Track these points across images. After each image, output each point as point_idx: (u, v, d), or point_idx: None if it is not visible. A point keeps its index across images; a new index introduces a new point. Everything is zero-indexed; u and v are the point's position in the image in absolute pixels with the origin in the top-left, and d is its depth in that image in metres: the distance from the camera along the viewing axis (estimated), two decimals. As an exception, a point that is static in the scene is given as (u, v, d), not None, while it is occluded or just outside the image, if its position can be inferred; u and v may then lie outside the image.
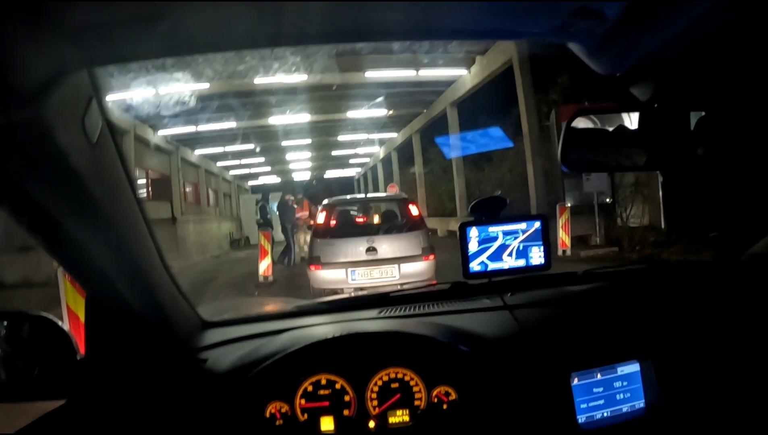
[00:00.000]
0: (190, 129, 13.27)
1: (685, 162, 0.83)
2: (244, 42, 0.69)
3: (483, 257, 1.07)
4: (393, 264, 4.97)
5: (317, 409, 0.90)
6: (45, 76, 0.52)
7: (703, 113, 0.83)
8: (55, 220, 0.62)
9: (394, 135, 18.47)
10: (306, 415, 0.90)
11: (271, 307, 1.56)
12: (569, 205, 7.76)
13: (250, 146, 17.11)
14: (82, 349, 0.89)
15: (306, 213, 9.58)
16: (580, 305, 1.10)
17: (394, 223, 5.74)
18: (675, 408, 0.91)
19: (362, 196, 9.54)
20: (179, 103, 9.27)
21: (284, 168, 23.54)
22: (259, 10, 0.58)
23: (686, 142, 0.82)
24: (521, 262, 1.08)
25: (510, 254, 1.08)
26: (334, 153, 21.57)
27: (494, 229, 1.07)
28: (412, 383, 0.92)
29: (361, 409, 0.91)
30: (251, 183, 26.67)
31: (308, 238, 6.85)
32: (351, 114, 14.01)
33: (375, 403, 0.91)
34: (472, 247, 1.07)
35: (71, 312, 3.28)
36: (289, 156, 20.87)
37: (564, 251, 7.46)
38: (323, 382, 0.91)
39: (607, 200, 8.45)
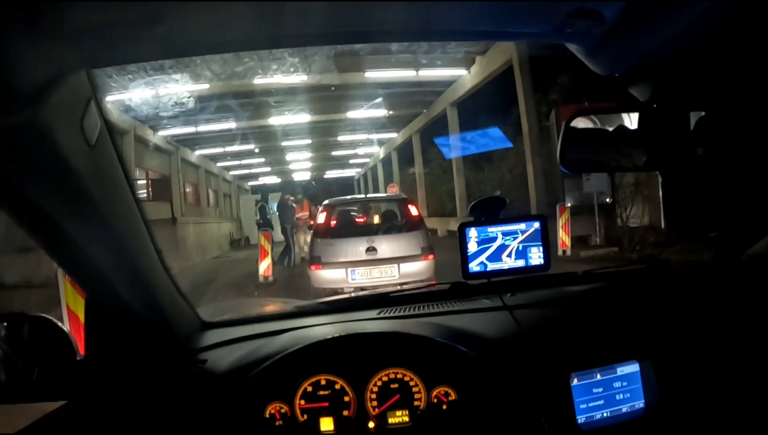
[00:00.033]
0: (190, 129, 13.29)
1: (685, 162, 0.83)
2: (243, 43, 0.69)
3: (482, 258, 1.07)
4: (393, 264, 5.01)
5: (317, 409, 0.90)
6: (44, 77, 0.52)
7: (703, 113, 0.82)
8: (54, 221, 0.62)
9: (394, 135, 18.47)
10: (306, 416, 0.90)
11: (270, 307, 1.56)
12: (569, 205, 7.76)
13: (250, 146, 17.12)
14: (81, 350, 0.90)
15: (306, 213, 9.58)
16: (580, 305, 1.10)
17: (394, 223, 5.77)
18: (675, 408, 0.91)
19: (362, 196, 9.57)
20: (179, 104, 9.28)
21: (284, 168, 23.54)
22: (259, 11, 0.58)
23: (686, 142, 0.81)
24: (520, 263, 1.08)
25: (509, 255, 1.08)
26: (334, 153, 21.58)
27: (493, 230, 1.07)
28: (411, 384, 0.92)
29: (361, 409, 0.91)
30: (251, 183, 26.69)
31: (308, 238, 6.86)
32: (351, 114, 14.01)
33: (375, 403, 0.91)
34: (472, 247, 1.07)
35: (71, 313, 3.28)
36: (289, 156, 20.87)
37: (564, 251, 7.46)
38: (323, 382, 0.91)
39: (607, 200, 8.45)
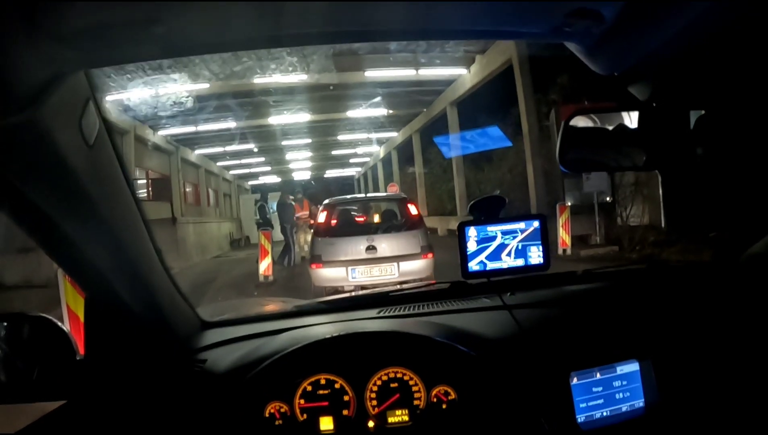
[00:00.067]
0: (190, 129, 13.29)
1: (685, 161, 0.83)
2: (243, 43, 0.69)
3: (482, 257, 1.07)
4: (392, 262, 5.06)
5: (316, 408, 0.90)
6: (43, 78, 0.52)
7: (703, 112, 0.82)
8: (54, 221, 0.62)
9: (394, 134, 18.47)
10: (305, 415, 0.90)
11: (270, 307, 1.56)
12: (569, 204, 7.76)
13: (250, 146, 17.12)
14: (81, 350, 0.90)
15: (306, 212, 9.59)
16: (580, 305, 1.10)
17: (394, 222, 5.82)
18: (674, 407, 0.91)
19: (362, 195, 9.58)
20: (179, 104, 9.28)
21: (284, 168, 23.55)
22: (258, 11, 0.57)
23: (685, 142, 0.81)
24: (520, 262, 1.08)
25: (509, 254, 1.08)
26: (334, 152, 21.57)
27: (493, 229, 1.07)
28: (411, 383, 0.92)
29: (361, 408, 0.91)
30: (251, 183, 26.69)
31: (309, 237, 6.88)
32: (350, 113, 14.01)
33: (374, 402, 0.91)
34: (471, 246, 1.07)
35: (71, 312, 3.28)
36: (289, 155, 20.88)
37: (564, 250, 7.46)
38: (322, 381, 0.91)
39: (608, 199, 8.44)
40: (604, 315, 1.04)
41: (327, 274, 5.10)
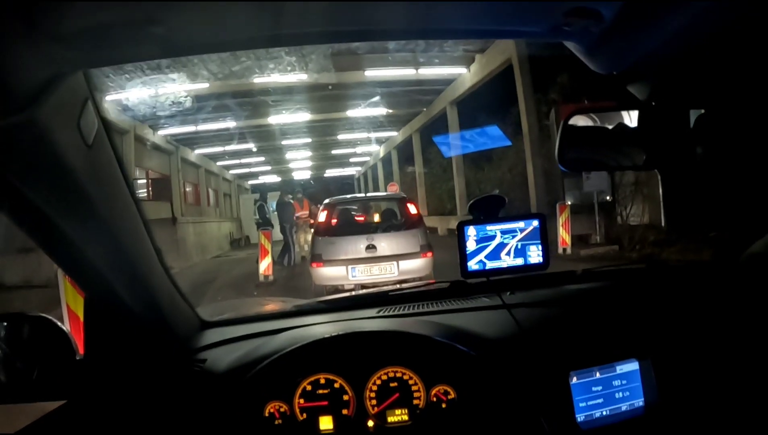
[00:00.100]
0: (189, 129, 13.29)
1: (684, 161, 0.83)
2: (242, 43, 0.69)
3: (481, 256, 1.07)
4: (392, 261, 5.11)
5: (316, 408, 0.90)
6: (42, 78, 0.52)
7: (702, 111, 0.82)
8: (53, 220, 0.62)
9: (394, 134, 18.47)
10: (305, 415, 0.90)
11: (270, 306, 1.56)
12: (569, 203, 7.76)
13: (249, 146, 17.13)
14: (81, 350, 0.90)
15: (306, 212, 9.59)
16: (579, 304, 1.10)
17: (393, 221, 5.86)
18: (674, 407, 0.91)
19: (362, 195, 9.62)
20: (178, 103, 9.28)
21: (284, 167, 23.56)
22: (258, 10, 0.57)
23: (685, 141, 0.81)
24: (519, 261, 1.08)
25: (508, 253, 1.08)
26: (334, 152, 21.58)
27: (492, 228, 1.07)
28: (411, 382, 0.92)
29: (360, 408, 0.91)
30: (251, 182, 26.69)
31: (309, 237, 6.89)
32: (350, 113, 14.02)
33: (374, 402, 0.91)
34: (470, 245, 1.07)
35: (71, 312, 3.29)
36: (289, 155, 20.89)
37: (564, 250, 7.47)
38: (322, 381, 0.91)
39: (608, 199, 8.45)
40: (604, 314, 1.04)
41: (327, 273, 5.15)
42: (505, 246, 1.07)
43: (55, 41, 0.51)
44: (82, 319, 0.95)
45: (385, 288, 1.35)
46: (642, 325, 1.00)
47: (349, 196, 7.69)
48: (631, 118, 0.86)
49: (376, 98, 12.56)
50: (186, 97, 9.28)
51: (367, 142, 19.61)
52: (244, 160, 20.71)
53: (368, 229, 5.80)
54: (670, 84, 0.78)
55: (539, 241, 1.08)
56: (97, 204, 0.67)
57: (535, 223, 1.08)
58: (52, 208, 0.62)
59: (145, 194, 13.39)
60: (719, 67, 0.76)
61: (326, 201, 5.96)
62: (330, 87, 10.91)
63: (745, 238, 1.10)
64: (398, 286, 1.38)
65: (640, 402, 0.93)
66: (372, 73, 10.55)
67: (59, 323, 0.88)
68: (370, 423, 0.90)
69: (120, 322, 0.89)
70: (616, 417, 0.92)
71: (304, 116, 13.71)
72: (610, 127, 0.87)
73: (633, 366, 0.94)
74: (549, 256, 1.10)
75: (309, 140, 17.98)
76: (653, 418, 0.92)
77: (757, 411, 0.90)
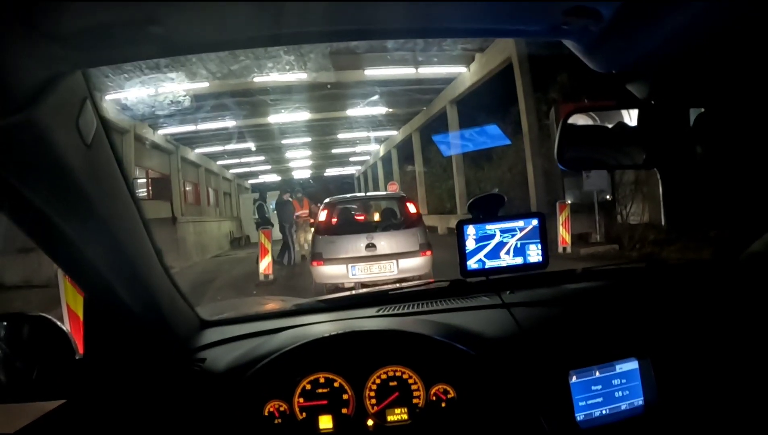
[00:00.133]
0: (189, 128, 13.29)
1: (684, 160, 0.83)
2: (241, 42, 0.69)
3: (480, 255, 1.07)
4: (391, 259, 5.14)
5: (316, 407, 0.90)
6: (40, 78, 0.52)
7: (702, 110, 0.82)
8: (52, 220, 0.62)
9: (393, 133, 18.46)
10: (304, 414, 0.90)
11: (269, 305, 1.56)
12: (569, 202, 7.76)
13: (249, 145, 17.12)
14: (81, 349, 0.90)
15: (306, 211, 9.60)
16: (579, 303, 1.10)
17: (393, 220, 5.89)
18: (674, 406, 0.91)
19: (362, 194, 9.64)
20: (177, 103, 9.28)
21: (284, 166, 23.56)
22: (257, 10, 0.57)
23: (685, 140, 0.81)
24: (519, 260, 1.08)
25: (507, 252, 1.08)
26: (334, 151, 21.57)
27: (491, 227, 1.07)
28: (410, 381, 0.92)
29: (360, 407, 0.91)
30: (251, 181, 26.70)
31: (309, 236, 6.90)
32: (350, 112, 14.01)
33: (373, 401, 0.91)
34: (470, 244, 1.07)
35: (71, 312, 3.29)
36: (288, 154, 20.90)
37: (564, 248, 7.47)
38: (321, 380, 0.91)
39: (608, 198, 8.45)
40: (604, 313, 1.04)
41: (328, 271, 5.19)
42: (504, 245, 1.07)
43: (54, 41, 0.51)
44: (82, 318, 0.95)
45: (385, 287, 1.35)
46: (642, 324, 1.00)
47: (349, 195, 7.72)
48: (630, 117, 0.86)
49: (376, 97, 12.56)
50: (185, 96, 9.29)
51: (366, 141, 19.61)
52: (244, 160, 20.72)
53: (368, 228, 5.82)
54: (670, 83, 0.78)
55: (538, 240, 1.09)
56: (96, 203, 0.67)
57: (535, 222, 1.08)
58: (52, 207, 0.62)
59: (145, 194, 13.39)
60: (719, 65, 0.76)
61: (327, 200, 5.99)
62: (329, 86, 10.90)
63: (745, 237, 1.10)
64: (398, 285, 1.38)
65: (639, 401, 0.93)
66: (371, 72, 10.53)
67: (59, 323, 0.88)
68: (370, 422, 0.90)
69: (119, 321, 0.89)
70: (616, 416, 0.92)
71: (303, 115, 13.70)
72: (610, 126, 0.87)
73: (632, 365, 0.94)
74: (548, 255, 1.10)
75: (309, 139, 17.97)
76: (653, 417, 0.92)
77: (756, 410, 0.90)
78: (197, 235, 13.59)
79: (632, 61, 0.72)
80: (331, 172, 27.56)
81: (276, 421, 0.89)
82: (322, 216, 5.65)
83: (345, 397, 0.91)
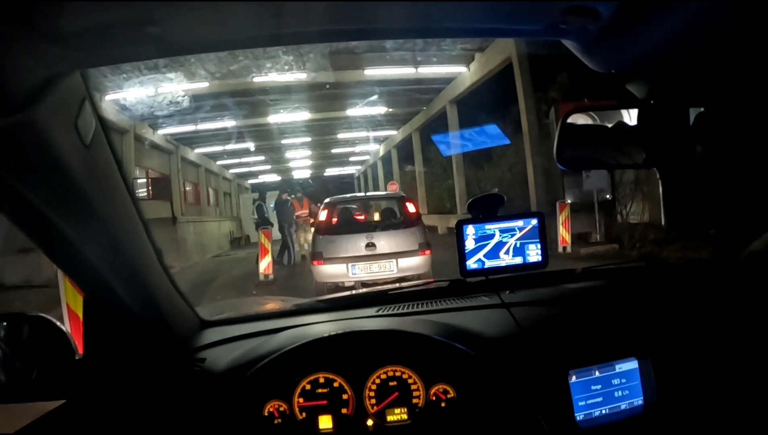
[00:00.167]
0: (189, 128, 13.30)
1: (684, 159, 0.83)
2: (241, 42, 0.69)
3: (480, 255, 1.07)
4: (391, 259, 5.18)
5: (315, 407, 0.90)
6: (39, 78, 0.52)
7: (702, 109, 0.82)
8: (51, 220, 0.62)
9: (393, 132, 18.46)
10: (304, 414, 0.90)
11: (269, 305, 1.56)
12: (569, 202, 7.77)
13: (249, 145, 17.13)
14: (81, 350, 0.90)
15: (306, 211, 9.60)
16: (579, 303, 1.10)
17: (392, 220, 5.92)
18: (673, 406, 0.91)
19: (362, 194, 9.67)
20: (177, 103, 9.28)
21: (284, 166, 23.56)
22: (257, 9, 0.57)
23: (685, 139, 0.81)
24: (518, 260, 1.08)
25: (507, 252, 1.08)
26: (334, 151, 21.58)
27: (491, 227, 1.07)
28: (410, 381, 0.92)
29: (360, 407, 0.91)
30: (251, 181, 26.70)
31: (309, 236, 6.91)
32: (350, 112, 14.01)
33: (373, 401, 0.91)
34: (469, 244, 1.07)
35: (71, 312, 3.29)
36: (288, 154, 20.91)
37: (564, 248, 7.47)
38: (321, 380, 0.91)
39: (607, 197, 8.45)
40: (603, 313, 1.04)
41: (328, 271, 5.22)
42: (504, 245, 1.07)
43: (53, 41, 0.51)
44: (82, 318, 0.95)
45: (385, 287, 1.35)
46: (641, 324, 1.00)
47: (349, 195, 7.74)
48: (630, 117, 0.86)
49: (375, 97, 12.56)
50: (185, 96, 9.29)
51: (366, 141, 19.61)
52: (243, 160, 20.73)
53: (368, 227, 5.84)
54: (669, 82, 0.78)
55: (538, 240, 1.09)
56: (95, 204, 0.67)
57: (534, 221, 1.08)
58: (51, 208, 0.62)
59: (145, 193, 13.39)
60: (718, 65, 0.75)
61: (327, 200, 6.02)
62: (328, 86, 10.90)
63: (745, 237, 1.10)
64: (397, 285, 1.38)
65: (639, 401, 0.94)
66: (371, 72, 10.54)
67: (59, 323, 0.88)
68: (370, 422, 0.90)
69: (119, 321, 0.89)
70: (616, 416, 0.92)
71: (303, 115, 13.70)
72: (609, 125, 0.87)
73: (632, 365, 0.94)
74: (548, 255, 1.10)
75: (308, 139, 17.97)
76: (652, 417, 0.92)
77: (756, 410, 0.90)
78: (197, 235, 13.58)
79: (631, 61, 0.72)
80: (330, 171, 27.57)
81: (276, 421, 0.89)
82: (323, 216, 5.68)
83: (345, 397, 0.91)
